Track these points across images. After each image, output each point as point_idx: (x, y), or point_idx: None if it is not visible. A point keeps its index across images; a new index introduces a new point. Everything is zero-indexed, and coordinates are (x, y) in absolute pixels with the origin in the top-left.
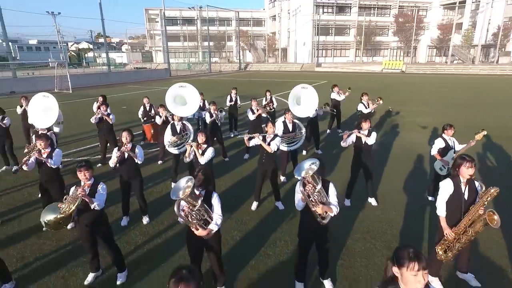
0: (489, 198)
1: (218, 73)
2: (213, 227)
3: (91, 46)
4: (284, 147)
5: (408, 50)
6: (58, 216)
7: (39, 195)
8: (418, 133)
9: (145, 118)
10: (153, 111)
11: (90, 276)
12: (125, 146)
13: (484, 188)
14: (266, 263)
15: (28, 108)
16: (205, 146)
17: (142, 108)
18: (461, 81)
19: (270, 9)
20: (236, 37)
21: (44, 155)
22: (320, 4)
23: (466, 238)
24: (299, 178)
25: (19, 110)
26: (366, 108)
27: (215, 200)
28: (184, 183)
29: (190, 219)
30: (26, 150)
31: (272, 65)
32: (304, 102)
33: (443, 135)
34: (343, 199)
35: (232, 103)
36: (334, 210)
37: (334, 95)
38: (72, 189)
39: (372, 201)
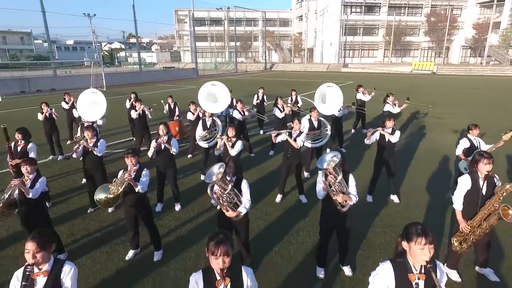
0: (504, 194)
1: (244, 73)
2: (242, 209)
3: (122, 46)
4: (309, 144)
5: (440, 51)
6: (108, 196)
7: (83, 181)
8: (445, 134)
9: (170, 116)
10: (177, 110)
11: (130, 253)
12: (162, 138)
13: (500, 184)
14: (289, 250)
15: (78, 102)
16: (234, 139)
17: (166, 107)
18: (496, 82)
19: (297, 9)
20: (262, 37)
21: (91, 144)
22: (348, 4)
23: (480, 231)
24: (321, 168)
25: (64, 105)
26: (393, 108)
27: (244, 186)
28: (217, 169)
29: (221, 201)
30: (74, 141)
31: (297, 65)
32: (330, 100)
33: (468, 135)
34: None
35: (259, 101)
36: (353, 199)
37: (359, 96)
38: (120, 173)
39: (394, 198)
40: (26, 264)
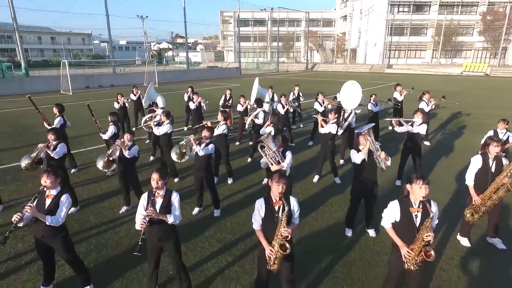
0: (511, 170)
1: (285, 73)
2: (284, 164)
3: (170, 46)
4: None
5: (495, 51)
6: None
7: (151, 158)
8: (483, 134)
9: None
10: (231, 101)
11: (196, 210)
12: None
13: (509, 162)
14: (323, 216)
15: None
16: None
17: (223, 97)
18: None
19: (341, 9)
20: (305, 37)
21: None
22: (395, 3)
23: (490, 203)
24: (362, 133)
25: (132, 96)
26: (427, 105)
27: (288, 154)
28: (268, 130)
29: (268, 158)
30: (141, 126)
31: (340, 66)
32: (350, 96)
33: (497, 128)
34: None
35: (295, 97)
36: (389, 163)
37: (396, 94)
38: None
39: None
40: (151, 189)
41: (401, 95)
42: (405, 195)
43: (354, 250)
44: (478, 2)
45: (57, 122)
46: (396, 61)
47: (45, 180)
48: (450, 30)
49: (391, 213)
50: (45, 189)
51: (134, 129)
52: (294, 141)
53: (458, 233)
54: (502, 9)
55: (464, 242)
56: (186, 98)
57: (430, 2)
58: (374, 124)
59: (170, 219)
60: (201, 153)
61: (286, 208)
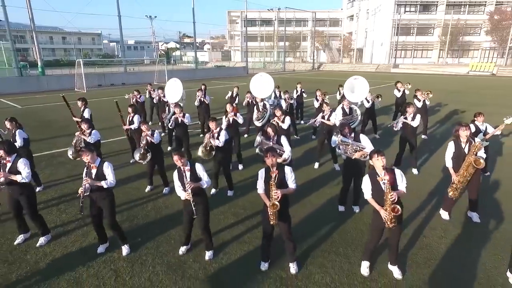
0: (476, 149)
1: (291, 72)
2: (285, 155)
3: (177, 46)
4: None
5: (503, 51)
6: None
7: (169, 148)
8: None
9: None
10: (237, 99)
11: (213, 191)
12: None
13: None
14: (323, 196)
15: (165, 88)
16: (282, 117)
17: (229, 94)
18: None
19: (348, 9)
20: (311, 37)
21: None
22: (402, 3)
23: (464, 179)
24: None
25: (147, 94)
26: (419, 102)
27: (284, 140)
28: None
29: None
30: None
31: (346, 66)
32: (357, 90)
33: (475, 122)
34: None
35: (298, 94)
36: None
37: (396, 92)
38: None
39: (414, 170)
40: (178, 166)
41: (399, 92)
42: (372, 169)
43: (349, 222)
44: (485, 2)
45: (87, 112)
46: (403, 60)
47: (86, 157)
48: (457, 30)
49: (366, 186)
50: (89, 163)
51: (150, 123)
52: (299, 135)
53: (441, 208)
54: (510, 9)
55: (445, 215)
56: (198, 94)
57: (437, 2)
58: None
59: (203, 185)
60: (220, 144)
61: (273, 176)
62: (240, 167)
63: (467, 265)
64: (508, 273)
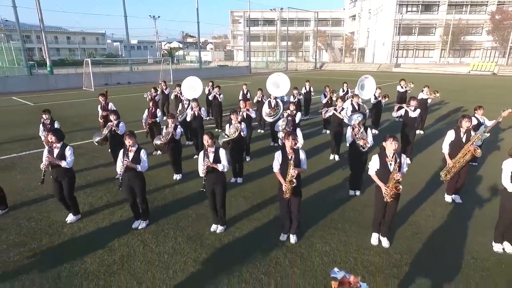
0: (475, 139)
1: (294, 72)
2: (299, 144)
3: (180, 45)
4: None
5: (504, 51)
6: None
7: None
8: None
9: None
10: (249, 94)
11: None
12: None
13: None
14: (331, 179)
15: (182, 85)
16: (294, 112)
17: (241, 92)
18: None
19: (350, 9)
20: (314, 37)
21: (196, 109)
22: (404, 3)
23: (459, 165)
24: (351, 124)
25: (159, 91)
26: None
27: (299, 132)
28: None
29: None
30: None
31: (348, 65)
32: (367, 88)
33: (475, 115)
34: None
35: (306, 91)
36: (369, 143)
37: (398, 88)
38: (227, 126)
39: (407, 160)
40: (205, 149)
41: (402, 88)
42: (382, 150)
43: (348, 204)
44: (487, 2)
45: (111, 106)
46: (404, 60)
47: (128, 141)
48: (459, 29)
49: (373, 164)
50: (129, 147)
51: (164, 118)
52: (310, 129)
53: (445, 193)
54: (511, 8)
55: (448, 199)
56: (207, 91)
57: (439, 1)
58: (363, 115)
59: (220, 167)
60: (244, 133)
61: (290, 157)
62: (248, 158)
63: (450, 238)
64: (493, 243)
